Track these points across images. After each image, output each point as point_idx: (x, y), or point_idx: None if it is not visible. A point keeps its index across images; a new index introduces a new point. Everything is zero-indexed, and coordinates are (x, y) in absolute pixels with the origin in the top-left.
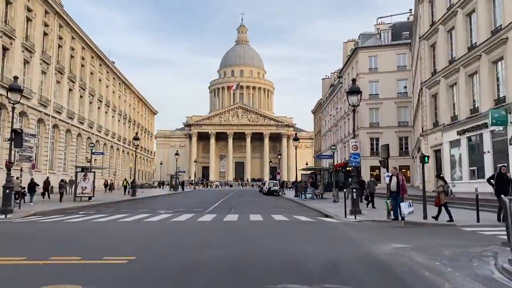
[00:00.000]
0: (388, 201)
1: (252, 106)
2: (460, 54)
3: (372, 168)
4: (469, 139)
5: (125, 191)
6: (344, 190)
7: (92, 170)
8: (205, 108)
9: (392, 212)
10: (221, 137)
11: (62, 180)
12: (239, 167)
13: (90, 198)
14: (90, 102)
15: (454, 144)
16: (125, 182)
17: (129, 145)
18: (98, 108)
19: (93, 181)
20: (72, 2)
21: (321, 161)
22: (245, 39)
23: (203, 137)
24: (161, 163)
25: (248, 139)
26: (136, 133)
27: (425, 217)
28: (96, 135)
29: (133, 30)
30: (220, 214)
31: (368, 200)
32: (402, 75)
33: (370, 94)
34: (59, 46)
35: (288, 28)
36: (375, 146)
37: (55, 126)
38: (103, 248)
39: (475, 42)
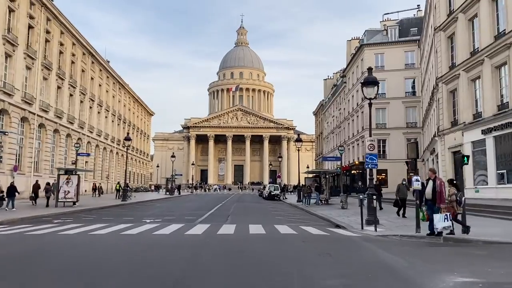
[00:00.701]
0: (424, 208)
1: (251, 108)
2: (484, 44)
3: (379, 172)
4: (496, 138)
5: (117, 195)
6: (361, 195)
7: (76, 173)
8: (205, 111)
9: (422, 224)
10: (220, 139)
11: (48, 184)
12: (239, 170)
13: (74, 203)
14: (81, 101)
15: (478, 144)
16: (117, 185)
17: (124, 147)
18: (90, 107)
19: (77, 185)
20: (73, 7)
21: (324, 164)
22: (244, 41)
23: (202, 140)
24: (157, 166)
25: (248, 142)
26: (128, 133)
27: (465, 231)
28: (87, 136)
29: (134, 33)
30: (214, 225)
31: (399, 206)
32: (410, 73)
33: (376, 94)
34: (47, 40)
35: (287, 31)
36: (381, 148)
37: (41, 126)
38: None
39: (503, 30)
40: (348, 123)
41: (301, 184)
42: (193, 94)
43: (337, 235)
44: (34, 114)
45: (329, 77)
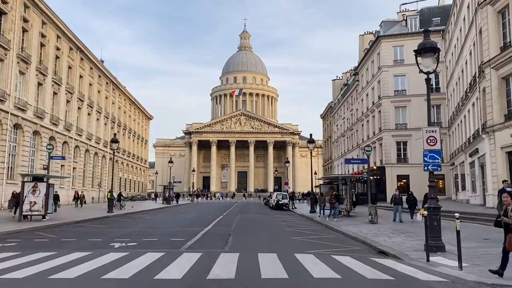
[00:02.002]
0: None
1: (255, 113)
2: None
3: (399, 178)
4: None
5: (109, 205)
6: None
7: (46, 180)
8: (208, 118)
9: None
10: (223, 145)
11: (14, 193)
12: (242, 177)
13: (43, 217)
14: (68, 101)
15: None
16: (109, 194)
17: (118, 152)
18: (79, 108)
19: (46, 195)
20: (75, 15)
21: (334, 169)
22: (248, 45)
23: (204, 146)
24: (156, 173)
25: (252, 148)
26: (115, 134)
27: None
28: (75, 139)
29: (136, 42)
30: (207, 254)
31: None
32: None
33: (395, 91)
34: (24, 30)
35: (289, 39)
36: (402, 151)
37: (17, 126)
38: None
39: None
40: (362, 125)
41: (314, 192)
42: (196, 102)
43: (404, 279)
44: (8, 113)
45: (338, 78)
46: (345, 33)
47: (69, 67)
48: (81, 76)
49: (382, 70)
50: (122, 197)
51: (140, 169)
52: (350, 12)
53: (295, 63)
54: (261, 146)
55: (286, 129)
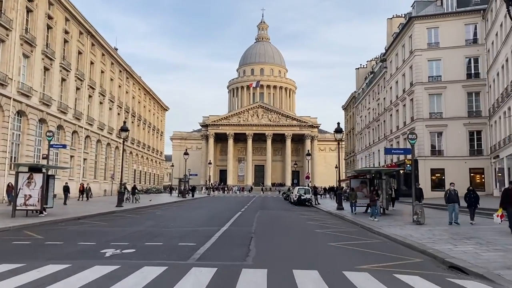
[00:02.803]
0: None
1: (273, 106)
2: None
3: (433, 172)
4: None
5: (123, 198)
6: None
7: (44, 170)
8: (225, 111)
9: None
10: (240, 138)
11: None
12: (259, 171)
13: (40, 212)
14: (78, 88)
15: None
16: (122, 187)
17: (132, 143)
18: (90, 96)
19: (43, 187)
20: (93, 10)
21: (357, 163)
22: (265, 36)
23: (221, 139)
24: (172, 165)
25: (269, 141)
26: (124, 121)
27: None
28: (85, 129)
29: (154, 37)
30: (225, 271)
31: None
32: (473, 51)
33: (429, 77)
34: (29, 10)
35: (307, 32)
36: (436, 143)
37: (20, 113)
38: None
39: None
40: (390, 115)
41: (341, 187)
42: (213, 96)
43: None
44: (10, 98)
45: (362, 66)
46: (363, 25)
47: (79, 53)
48: (92, 63)
49: (415, 54)
50: (136, 190)
51: (156, 161)
52: (367, 3)
53: (312, 57)
54: (278, 139)
55: (304, 122)
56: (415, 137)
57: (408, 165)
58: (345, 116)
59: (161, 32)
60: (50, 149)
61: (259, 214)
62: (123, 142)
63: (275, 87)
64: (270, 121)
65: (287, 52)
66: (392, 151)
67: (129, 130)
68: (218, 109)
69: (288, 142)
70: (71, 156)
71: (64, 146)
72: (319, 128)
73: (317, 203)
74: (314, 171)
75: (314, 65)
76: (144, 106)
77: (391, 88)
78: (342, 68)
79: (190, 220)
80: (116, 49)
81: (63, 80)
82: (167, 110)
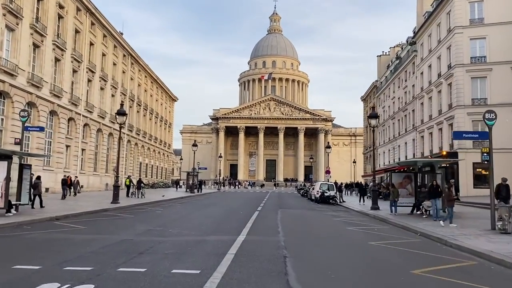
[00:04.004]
0: None
1: (285, 98)
2: None
3: (476, 166)
4: None
5: (128, 192)
6: None
7: (13, 157)
8: (235, 105)
9: None
10: (251, 132)
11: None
12: (271, 166)
13: (7, 211)
14: (75, 71)
15: None
16: (127, 181)
17: (138, 134)
18: (89, 80)
19: (9, 179)
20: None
21: (377, 157)
22: (278, 28)
23: (232, 132)
24: (181, 159)
25: (281, 135)
26: (121, 104)
27: None
28: (84, 116)
29: (165, 32)
30: None
31: None
32: None
33: (472, 57)
34: None
35: (319, 27)
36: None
37: (4, 95)
38: None
39: None
40: (421, 103)
41: (364, 182)
42: (224, 91)
43: None
44: None
45: (385, 53)
46: (376, 19)
47: (77, 31)
48: (91, 44)
49: (455, 32)
50: (142, 184)
51: (164, 154)
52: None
53: (324, 52)
54: (291, 133)
55: (318, 115)
56: (494, 116)
57: (485, 154)
58: (364, 107)
59: (172, 27)
60: (27, 134)
61: (281, 215)
62: (120, 128)
63: (287, 80)
64: (283, 114)
65: (299, 47)
66: (464, 134)
67: (126, 114)
68: (229, 103)
69: (301, 136)
70: (67, 146)
71: (41, 129)
72: (333, 122)
73: (342, 200)
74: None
75: (326, 60)
76: (151, 95)
77: (422, 73)
78: (355, 64)
79: (196, 223)
80: (122, 34)
81: (57, 60)
82: (176, 101)
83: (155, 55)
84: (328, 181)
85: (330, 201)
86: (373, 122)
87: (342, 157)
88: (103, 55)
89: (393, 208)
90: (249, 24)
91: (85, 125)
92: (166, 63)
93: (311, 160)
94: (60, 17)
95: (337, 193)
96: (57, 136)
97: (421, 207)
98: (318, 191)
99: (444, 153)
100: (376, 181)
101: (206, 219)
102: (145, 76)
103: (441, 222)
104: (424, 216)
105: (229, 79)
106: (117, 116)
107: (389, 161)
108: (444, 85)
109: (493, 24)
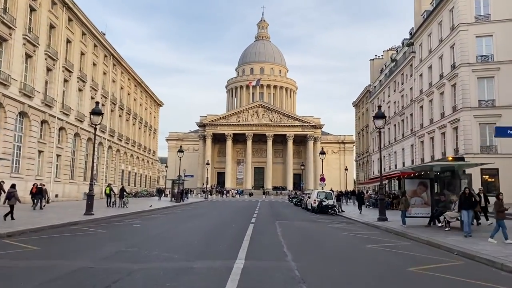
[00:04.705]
0: None
1: (273, 105)
2: None
3: (484, 173)
4: None
5: (108, 201)
6: None
7: None
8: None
9: None
10: (238, 139)
11: None
12: (259, 174)
13: None
14: (49, 69)
15: None
16: (108, 189)
17: (120, 139)
18: (65, 81)
19: None
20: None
21: (371, 164)
22: (265, 35)
23: (219, 139)
24: (166, 166)
25: (270, 142)
26: (97, 102)
27: None
28: (59, 118)
29: (153, 40)
30: None
31: None
32: None
33: (478, 56)
34: None
35: (305, 37)
36: (487, 138)
37: None
38: None
39: None
40: (421, 106)
41: (361, 191)
42: (211, 100)
43: None
44: None
45: (378, 57)
46: (362, 30)
47: (51, 27)
48: (69, 41)
49: (459, 29)
50: (125, 193)
51: (148, 161)
52: (365, 9)
53: (311, 62)
54: (279, 140)
55: (307, 122)
56: None
57: None
58: (356, 113)
59: (159, 35)
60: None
61: (280, 228)
62: (95, 129)
63: (275, 87)
64: (271, 121)
65: (285, 56)
66: (508, 131)
67: (102, 113)
68: (216, 111)
69: (290, 143)
70: (40, 151)
71: None
72: (322, 130)
73: (340, 210)
74: (317, 174)
75: (312, 70)
76: (135, 99)
77: (421, 75)
78: (340, 73)
79: (180, 240)
80: (104, 34)
81: (28, 56)
82: (161, 106)
83: (142, 63)
84: (323, 189)
85: (329, 211)
86: (380, 122)
87: (331, 164)
88: (82, 54)
89: (406, 219)
90: (236, 33)
91: (61, 128)
92: (153, 71)
93: (302, 167)
94: (32, 9)
95: (336, 202)
96: (28, 140)
97: (443, 218)
98: (315, 200)
99: (450, 158)
100: (373, 190)
101: (192, 235)
102: (128, 79)
103: (491, 239)
104: (447, 229)
105: (217, 88)
106: (91, 116)
107: (385, 169)
108: (447, 86)
109: (500, 21)
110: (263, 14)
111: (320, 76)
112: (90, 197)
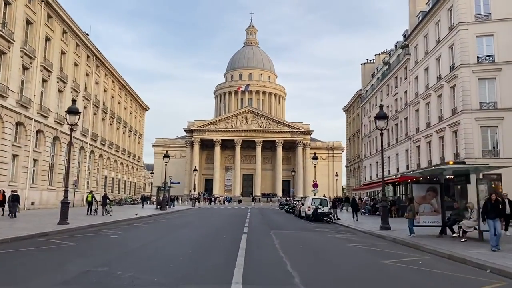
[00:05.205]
0: None
1: (262, 111)
2: None
3: (486, 178)
4: None
5: (89, 209)
6: None
7: None
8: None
9: None
10: (227, 145)
11: None
12: (248, 180)
13: None
14: (25, 68)
15: None
16: (89, 196)
17: (103, 144)
18: (44, 81)
19: None
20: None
21: (362, 170)
22: (254, 41)
23: (207, 146)
24: (152, 173)
25: (259, 148)
26: (73, 100)
27: None
28: (36, 121)
29: (140, 47)
30: None
31: None
32: None
33: (479, 56)
34: None
35: (292, 45)
36: (489, 141)
37: None
38: None
39: None
40: (417, 110)
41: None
42: (200, 107)
43: None
44: None
45: (369, 61)
46: (349, 38)
47: (28, 22)
48: (48, 39)
49: (459, 28)
50: (108, 200)
51: (133, 167)
52: (353, 18)
53: (298, 69)
54: (268, 146)
55: (296, 128)
56: None
57: None
58: (347, 118)
59: (147, 42)
60: None
61: (278, 239)
62: (71, 130)
63: (264, 92)
64: (260, 127)
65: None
66: None
67: (80, 112)
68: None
69: (279, 150)
70: (14, 156)
71: None
72: (311, 136)
73: (336, 218)
74: (307, 181)
75: (301, 77)
76: (119, 103)
77: (416, 78)
78: (328, 81)
79: (162, 257)
80: (87, 35)
81: (1, 53)
82: (147, 110)
83: (129, 69)
84: (315, 195)
85: (325, 218)
86: (381, 123)
87: (320, 171)
88: (62, 53)
89: (411, 227)
90: (225, 40)
91: (39, 131)
92: (141, 78)
93: (293, 173)
94: (6, 3)
95: (331, 209)
96: (0, 143)
97: (457, 228)
98: (309, 207)
99: (451, 163)
100: (368, 196)
101: (176, 249)
102: (112, 81)
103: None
104: (463, 240)
105: (205, 95)
106: (67, 115)
107: (376, 175)
108: (446, 88)
109: (501, 20)
110: (251, 20)
111: (308, 84)
112: (64, 204)
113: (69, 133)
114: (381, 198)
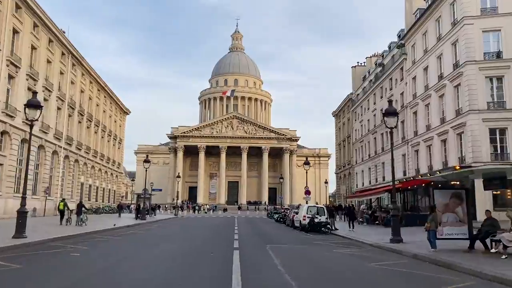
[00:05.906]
0: None
1: (248, 117)
2: None
3: (496, 184)
4: None
5: (61, 219)
6: None
7: None
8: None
9: None
10: (212, 152)
11: None
12: (233, 188)
13: None
14: None
15: None
16: (61, 205)
17: (79, 149)
18: (11, 77)
19: None
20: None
21: (354, 177)
22: (240, 46)
23: (191, 152)
24: (132, 180)
25: (244, 155)
26: (34, 92)
27: None
28: (2, 121)
29: (123, 54)
30: None
31: None
32: None
33: (485, 53)
34: None
35: (277, 54)
36: (498, 144)
37: None
38: None
39: None
40: (415, 112)
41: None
42: (184, 114)
43: None
44: None
45: (360, 64)
46: (333, 48)
47: None
48: (16, 32)
49: (464, 23)
50: (84, 209)
51: (112, 174)
52: (336, 28)
53: (285, 77)
54: (254, 153)
55: (283, 134)
56: None
57: None
58: (337, 124)
59: (132, 50)
60: None
61: (278, 257)
62: (31, 127)
63: (250, 98)
64: (246, 133)
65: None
66: None
67: (42, 106)
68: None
69: (265, 157)
70: None
71: None
72: (297, 143)
73: (334, 228)
74: (294, 188)
75: (286, 86)
76: (98, 105)
77: (414, 78)
78: (314, 89)
79: (129, 286)
80: (64, 32)
81: None
82: (128, 114)
83: (112, 76)
84: (307, 203)
85: (321, 229)
86: (392, 121)
87: (307, 179)
88: (33, 48)
89: (432, 241)
90: (210, 47)
91: (4, 133)
92: (124, 85)
93: (281, 180)
94: None
95: (328, 218)
96: None
97: (497, 242)
98: (305, 216)
99: (457, 167)
100: (366, 204)
101: (152, 271)
102: (90, 82)
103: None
104: (504, 257)
105: (190, 102)
106: (26, 110)
107: (370, 181)
108: (449, 87)
109: (508, 14)
110: (237, 26)
111: (293, 92)
112: (21, 214)
113: (40, 135)
114: (392, 206)
